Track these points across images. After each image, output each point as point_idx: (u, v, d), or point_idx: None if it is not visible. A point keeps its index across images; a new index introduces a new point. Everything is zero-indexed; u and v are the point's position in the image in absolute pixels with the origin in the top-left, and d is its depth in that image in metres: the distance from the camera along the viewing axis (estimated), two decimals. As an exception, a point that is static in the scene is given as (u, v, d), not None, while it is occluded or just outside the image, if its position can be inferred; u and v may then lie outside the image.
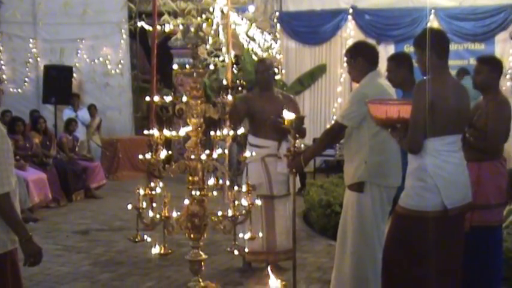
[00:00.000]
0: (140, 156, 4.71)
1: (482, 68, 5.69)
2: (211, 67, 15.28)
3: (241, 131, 4.95)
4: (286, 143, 6.75)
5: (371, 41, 13.34)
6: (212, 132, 4.78)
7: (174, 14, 15.39)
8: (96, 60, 16.64)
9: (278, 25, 15.96)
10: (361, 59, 5.50)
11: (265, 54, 15.49)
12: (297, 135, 5.41)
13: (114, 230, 9.52)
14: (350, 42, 13.51)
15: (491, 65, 5.72)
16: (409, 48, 13.69)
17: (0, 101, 3.90)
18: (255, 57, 15.12)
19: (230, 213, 4.60)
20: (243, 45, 15.17)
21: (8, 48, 17.00)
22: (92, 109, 15.46)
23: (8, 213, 3.82)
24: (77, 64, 16.53)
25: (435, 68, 4.48)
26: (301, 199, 10.20)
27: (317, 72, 15.80)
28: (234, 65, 14.90)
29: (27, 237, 3.89)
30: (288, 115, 5.33)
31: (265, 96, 6.94)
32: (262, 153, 6.79)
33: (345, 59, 5.91)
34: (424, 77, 4.52)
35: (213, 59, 15.28)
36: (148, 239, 4.63)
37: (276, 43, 15.93)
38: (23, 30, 16.77)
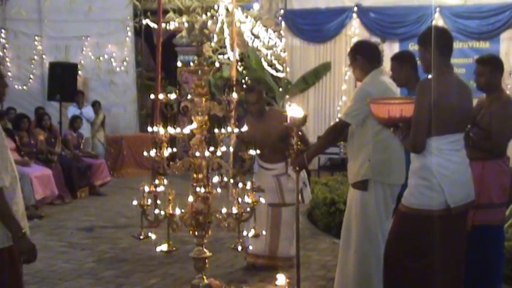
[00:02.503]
0: (145, 154, 4.73)
1: (484, 69, 5.67)
2: (216, 65, 15.30)
3: (245, 128, 4.96)
4: None
5: (376, 39, 13.38)
6: (216, 130, 4.79)
7: (179, 12, 15.41)
8: (101, 58, 16.68)
9: (283, 23, 15.95)
10: (360, 57, 5.50)
11: (269, 52, 15.49)
12: (299, 142, 5.42)
13: (118, 227, 9.54)
14: (355, 40, 13.51)
15: (492, 65, 5.71)
16: (413, 47, 13.68)
17: (5, 96, 3.84)
18: (261, 58, 15.17)
19: (234, 210, 4.60)
20: (247, 43, 15.18)
21: (14, 46, 17.06)
22: (96, 106, 15.50)
23: (0, 208, 3.80)
24: (81, 61, 16.59)
25: (438, 66, 4.47)
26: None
27: (322, 70, 15.78)
28: (239, 63, 14.91)
29: (19, 234, 3.85)
30: (293, 112, 5.32)
31: (260, 121, 6.93)
32: (272, 174, 6.92)
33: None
34: (426, 76, 4.51)
35: (217, 56, 15.30)
36: (153, 237, 4.64)
37: (281, 41, 15.94)
38: (28, 27, 16.84)
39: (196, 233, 4.71)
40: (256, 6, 15.41)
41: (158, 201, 4.64)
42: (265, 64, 15.56)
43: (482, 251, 5.51)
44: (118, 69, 16.69)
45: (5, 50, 16.99)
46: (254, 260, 7.09)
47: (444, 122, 4.33)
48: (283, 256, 7.05)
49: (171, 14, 15.10)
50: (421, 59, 4.62)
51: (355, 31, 15.26)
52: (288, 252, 7.02)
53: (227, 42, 14.10)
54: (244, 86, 12.72)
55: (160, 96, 4.95)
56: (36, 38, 16.87)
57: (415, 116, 4.37)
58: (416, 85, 4.56)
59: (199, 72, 4.79)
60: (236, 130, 4.88)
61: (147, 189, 4.58)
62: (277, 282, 5.26)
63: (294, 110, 5.34)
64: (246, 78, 16.26)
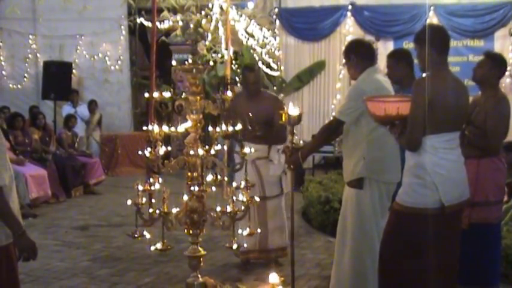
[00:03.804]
0: (139, 152, 4.72)
1: (486, 62, 5.71)
2: (211, 63, 15.27)
3: (239, 127, 4.96)
4: (275, 147, 6.88)
5: (370, 38, 13.40)
6: (211, 128, 4.79)
7: (174, 11, 15.38)
8: (95, 57, 16.67)
9: (277, 21, 15.96)
10: (353, 57, 5.50)
11: (264, 51, 15.48)
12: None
13: (113, 225, 9.53)
14: (349, 39, 13.52)
15: (494, 61, 5.74)
16: (408, 45, 13.69)
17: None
18: (255, 55, 15.14)
19: (229, 209, 4.61)
20: (242, 41, 15.17)
21: (8, 44, 17.04)
22: (92, 105, 15.52)
23: (0, 207, 3.80)
24: (76, 60, 16.57)
25: (435, 65, 4.46)
26: (300, 195, 10.22)
27: (316, 69, 15.80)
28: (233, 61, 14.89)
29: (20, 232, 3.85)
30: (291, 111, 5.32)
31: (253, 100, 6.93)
32: (252, 156, 6.81)
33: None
34: (423, 74, 4.52)
35: (212, 55, 15.28)
36: (147, 235, 4.64)
37: (275, 39, 15.93)
38: (23, 26, 16.80)
39: (190, 232, 4.72)
40: (250, 4, 15.38)
41: (153, 200, 4.64)
42: (259, 63, 15.55)
43: (479, 249, 5.53)
44: (112, 68, 16.68)
45: (-1, 49, 17.01)
46: (246, 256, 7.05)
47: (440, 120, 4.33)
48: (275, 247, 7.04)
49: (165, 13, 15.07)
50: (419, 57, 4.61)
51: (349, 29, 15.29)
52: (280, 242, 7.01)
53: (221, 41, 14.08)
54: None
55: (155, 94, 4.95)
56: (31, 36, 16.84)
57: (411, 114, 4.37)
58: (413, 83, 4.57)
59: (194, 70, 4.78)
60: (230, 128, 4.87)
61: (141, 187, 4.58)
62: (270, 281, 5.26)
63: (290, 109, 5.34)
64: (240, 76, 16.22)
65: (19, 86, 16.83)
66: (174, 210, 4.62)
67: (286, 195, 7.00)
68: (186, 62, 4.84)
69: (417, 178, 4.40)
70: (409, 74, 6.02)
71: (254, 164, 6.88)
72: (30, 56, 16.88)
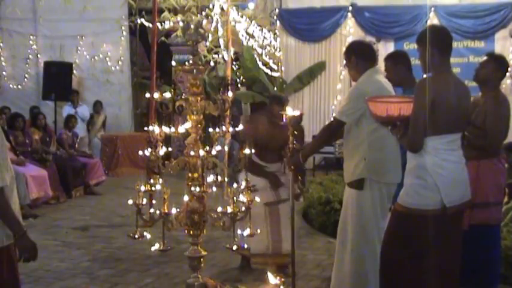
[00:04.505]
0: (140, 153, 4.73)
1: (488, 63, 5.73)
2: (211, 64, 15.28)
3: (240, 127, 4.96)
4: None
5: (370, 39, 13.38)
6: (211, 129, 4.79)
7: (174, 11, 15.39)
8: (96, 57, 16.68)
9: (278, 22, 15.97)
10: (354, 58, 5.50)
11: (264, 51, 15.49)
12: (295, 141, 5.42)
13: (113, 226, 9.52)
14: (350, 40, 13.54)
15: (497, 62, 5.75)
16: (408, 46, 13.73)
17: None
18: (256, 57, 15.16)
19: (229, 209, 4.60)
20: (242, 42, 15.18)
21: (8, 45, 17.07)
22: (97, 106, 15.59)
23: (1, 208, 3.81)
24: (76, 61, 16.58)
25: (437, 66, 4.46)
26: (300, 196, 10.22)
27: (316, 70, 15.80)
28: (234, 62, 14.89)
29: (21, 233, 3.86)
30: (290, 112, 5.33)
31: (274, 126, 6.85)
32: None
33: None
34: (425, 75, 4.51)
35: (212, 55, 15.29)
36: (148, 236, 4.64)
37: (276, 40, 15.94)
38: (23, 26, 16.83)
39: (191, 232, 4.71)
40: (251, 5, 15.40)
41: (153, 201, 4.64)
42: (260, 63, 15.58)
43: (479, 250, 5.52)
44: (113, 68, 16.68)
45: (-1, 50, 17.02)
46: (259, 259, 6.94)
47: (442, 121, 4.33)
48: (288, 253, 6.95)
49: (166, 13, 15.08)
50: (422, 58, 4.60)
51: (350, 30, 15.30)
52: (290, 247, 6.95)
53: (222, 42, 14.09)
54: (273, 96, 12.52)
55: (156, 95, 4.95)
56: (31, 37, 16.87)
57: (414, 115, 4.36)
58: (416, 84, 4.56)
59: (195, 71, 4.79)
60: (231, 129, 4.88)
61: (142, 188, 4.57)
62: (271, 281, 5.26)
63: (290, 110, 5.35)
64: (241, 77, 16.25)
65: (20, 87, 16.86)
66: (175, 211, 4.62)
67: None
68: (187, 63, 4.84)
69: (418, 179, 4.40)
70: (407, 75, 6.02)
71: None
72: (30, 56, 16.91)
